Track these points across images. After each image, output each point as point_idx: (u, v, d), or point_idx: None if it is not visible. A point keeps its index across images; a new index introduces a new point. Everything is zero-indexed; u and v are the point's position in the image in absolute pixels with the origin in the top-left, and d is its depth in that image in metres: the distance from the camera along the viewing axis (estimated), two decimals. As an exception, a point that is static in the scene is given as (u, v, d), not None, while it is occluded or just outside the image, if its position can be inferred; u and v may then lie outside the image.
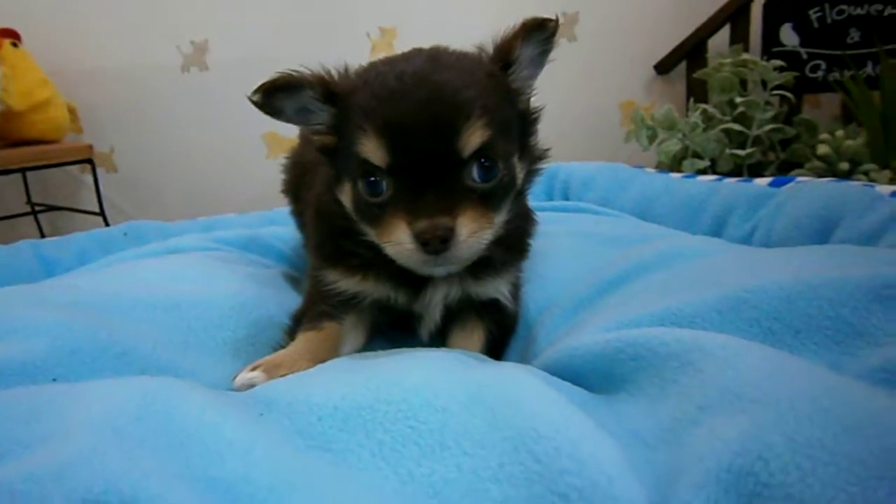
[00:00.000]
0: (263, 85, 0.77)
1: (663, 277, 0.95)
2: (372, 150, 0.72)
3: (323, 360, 0.82)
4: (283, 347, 0.88)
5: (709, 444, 0.43)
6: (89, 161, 2.42)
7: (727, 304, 0.69)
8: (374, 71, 0.78)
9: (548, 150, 0.99)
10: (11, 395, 0.55)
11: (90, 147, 2.45)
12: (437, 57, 0.79)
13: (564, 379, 0.71)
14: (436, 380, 0.58)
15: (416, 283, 0.88)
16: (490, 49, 0.84)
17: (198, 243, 1.48)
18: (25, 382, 0.66)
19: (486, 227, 0.75)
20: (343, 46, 2.82)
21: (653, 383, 0.60)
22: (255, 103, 0.78)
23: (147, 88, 2.84)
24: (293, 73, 0.79)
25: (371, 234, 0.79)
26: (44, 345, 0.71)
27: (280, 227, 1.68)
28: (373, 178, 0.74)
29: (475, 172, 0.75)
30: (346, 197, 0.81)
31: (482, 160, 0.75)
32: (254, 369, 0.76)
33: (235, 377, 0.75)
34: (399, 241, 0.72)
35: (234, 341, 0.89)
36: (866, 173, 1.66)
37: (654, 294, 0.87)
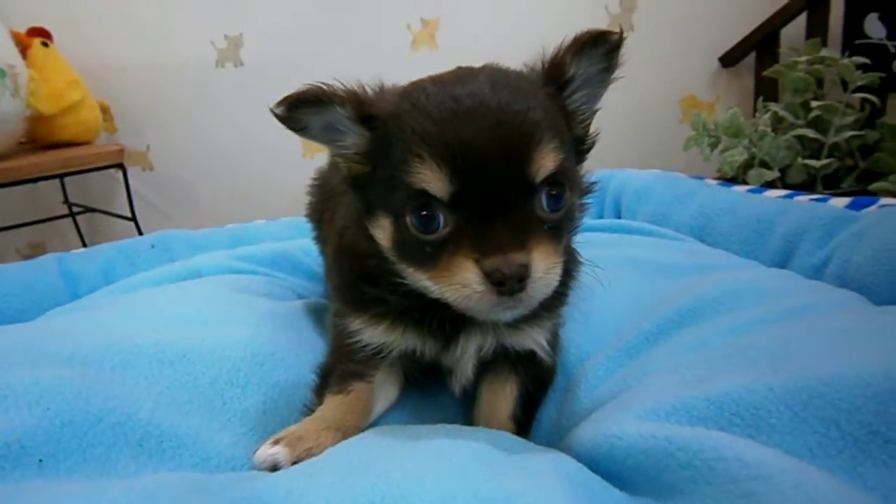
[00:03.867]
0: (288, 97, 0.71)
1: (718, 336, 0.88)
2: (431, 179, 0.66)
3: (352, 427, 0.79)
4: (307, 409, 0.85)
5: None
6: (120, 166, 2.43)
7: (799, 396, 0.61)
8: (423, 92, 0.72)
9: (595, 183, 0.92)
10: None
11: (121, 151, 2.47)
12: (493, 76, 0.73)
13: (605, 469, 0.66)
14: (453, 496, 0.52)
15: (446, 333, 0.83)
16: (540, 67, 0.78)
17: (222, 262, 1.47)
18: (7, 467, 0.63)
19: (557, 263, 0.70)
20: (383, 39, 2.79)
21: (707, 505, 0.52)
22: (277, 117, 0.72)
23: (181, 85, 2.84)
24: (324, 86, 0.72)
25: (419, 277, 0.72)
26: (33, 418, 0.68)
27: (310, 239, 1.66)
28: (426, 213, 0.68)
29: (544, 201, 0.69)
30: (382, 234, 0.75)
31: (550, 188, 0.69)
32: (276, 443, 0.72)
33: (256, 451, 0.72)
34: (465, 283, 0.66)
35: (244, 399, 0.84)
36: (960, 190, 1.52)
37: (711, 361, 0.79)
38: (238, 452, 0.78)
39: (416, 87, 0.74)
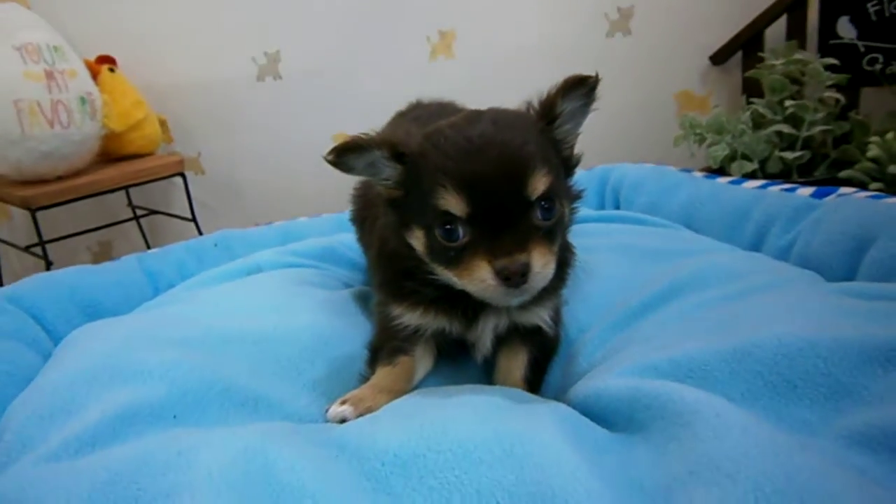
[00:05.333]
0: (336, 148, 0.85)
1: (689, 310, 1.02)
2: (452, 202, 0.80)
3: (400, 391, 0.94)
4: (363, 377, 1.00)
5: (687, 512, 0.52)
6: (181, 174, 2.62)
7: (735, 356, 0.76)
8: (442, 135, 0.86)
9: (582, 190, 1.07)
10: (149, 445, 0.69)
11: (181, 162, 2.65)
12: (496, 118, 0.87)
13: (594, 413, 0.80)
14: (477, 432, 0.69)
15: (469, 315, 0.98)
16: (536, 104, 0.92)
17: (278, 258, 1.62)
18: (154, 420, 0.80)
19: (552, 259, 0.84)
20: (404, 51, 2.94)
21: (661, 435, 0.68)
22: (329, 162, 0.87)
23: (228, 98, 3.01)
24: (364, 136, 0.87)
25: (447, 274, 0.87)
26: (164, 387, 0.85)
27: (349, 233, 1.81)
28: (449, 227, 0.83)
29: (539, 213, 0.83)
30: (417, 242, 0.90)
31: (543, 202, 0.83)
32: (343, 403, 0.88)
33: (328, 409, 0.88)
34: (482, 279, 0.81)
35: (314, 371, 1.00)
36: (916, 176, 1.63)
37: (677, 332, 0.94)
38: (313, 411, 0.93)
39: (437, 130, 0.88)
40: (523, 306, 0.97)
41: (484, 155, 0.81)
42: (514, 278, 0.79)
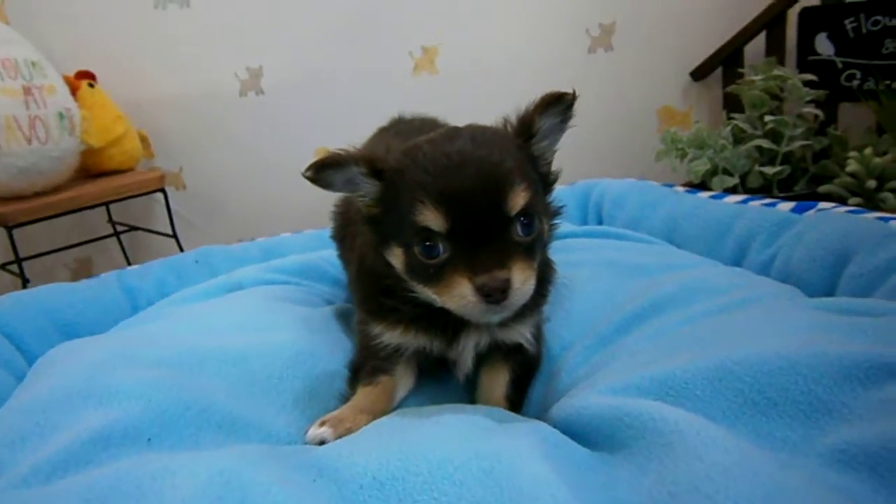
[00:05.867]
0: (314, 164, 0.85)
1: (672, 326, 1.02)
2: (431, 218, 0.80)
3: (381, 411, 0.93)
4: (343, 397, 0.99)
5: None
6: (162, 190, 2.60)
7: (717, 374, 0.76)
8: (420, 150, 0.85)
9: (562, 206, 1.07)
10: (122, 470, 0.68)
11: (162, 177, 2.64)
12: (474, 135, 0.87)
13: (575, 432, 0.80)
14: (456, 453, 0.68)
15: (449, 333, 0.97)
16: (514, 121, 0.92)
17: (259, 275, 1.60)
18: (127, 443, 0.79)
19: (532, 275, 0.84)
20: (388, 67, 2.95)
21: (642, 454, 0.68)
22: (307, 178, 0.86)
23: (210, 113, 3.00)
24: (342, 152, 0.87)
25: (426, 291, 0.87)
26: (139, 408, 0.83)
27: (331, 249, 1.79)
28: (429, 243, 0.82)
29: (519, 229, 0.83)
30: (396, 259, 0.89)
31: (523, 218, 0.83)
32: (322, 424, 0.87)
33: (307, 431, 0.86)
34: (462, 296, 0.80)
35: (293, 390, 0.99)
36: (893, 191, 1.66)
37: (660, 348, 0.94)
38: (292, 431, 0.92)
39: (415, 147, 0.87)
40: (504, 323, 0.97)
41: (462, 171, 0.81)
42: (494, 295, 0.78)
